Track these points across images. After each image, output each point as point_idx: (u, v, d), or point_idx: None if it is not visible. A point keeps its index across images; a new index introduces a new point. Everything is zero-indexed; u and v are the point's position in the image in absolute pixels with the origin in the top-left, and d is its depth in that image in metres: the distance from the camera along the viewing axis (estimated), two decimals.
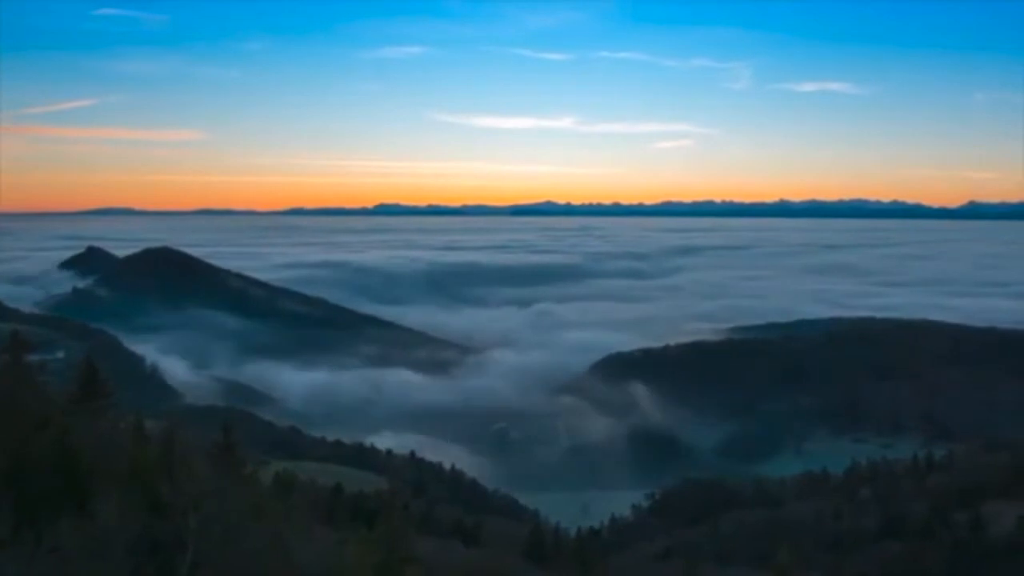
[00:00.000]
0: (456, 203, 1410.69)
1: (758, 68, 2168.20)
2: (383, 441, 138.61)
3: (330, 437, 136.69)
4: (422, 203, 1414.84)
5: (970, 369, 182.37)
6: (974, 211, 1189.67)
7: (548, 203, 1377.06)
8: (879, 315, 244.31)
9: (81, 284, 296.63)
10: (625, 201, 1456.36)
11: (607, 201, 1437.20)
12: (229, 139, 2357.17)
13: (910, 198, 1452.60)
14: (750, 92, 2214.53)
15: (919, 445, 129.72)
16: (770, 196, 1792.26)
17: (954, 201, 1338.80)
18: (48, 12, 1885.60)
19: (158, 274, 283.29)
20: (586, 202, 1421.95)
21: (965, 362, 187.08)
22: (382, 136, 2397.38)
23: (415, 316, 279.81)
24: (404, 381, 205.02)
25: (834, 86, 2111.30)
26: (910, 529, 77.41)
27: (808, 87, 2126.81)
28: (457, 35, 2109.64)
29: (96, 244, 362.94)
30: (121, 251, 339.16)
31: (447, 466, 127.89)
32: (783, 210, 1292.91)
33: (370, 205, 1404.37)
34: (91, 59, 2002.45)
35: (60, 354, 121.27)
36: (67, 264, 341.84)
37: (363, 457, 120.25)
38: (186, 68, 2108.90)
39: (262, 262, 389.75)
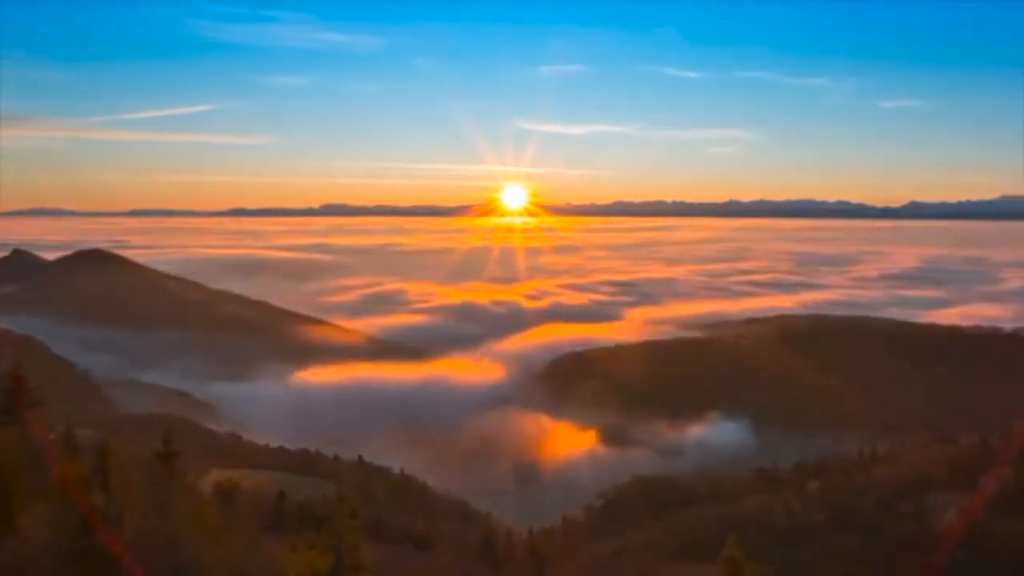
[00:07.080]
0: (406, 204, 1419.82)
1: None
2: (331, 447, 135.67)
3: (273, 443, 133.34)
4: (370, 203, 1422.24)
5: (914, 365, 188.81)
6: (915, 211, 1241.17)
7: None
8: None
9: (7, 288, 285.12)
10: (576, 202, 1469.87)
11: (558, 203, 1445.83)
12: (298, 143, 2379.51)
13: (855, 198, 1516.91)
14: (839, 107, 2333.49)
15: (866, 439, 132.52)
16: (721, 196, 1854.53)
17: (896, 201, 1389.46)
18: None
19: (89, 276, 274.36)
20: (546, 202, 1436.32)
21: (909, 358, 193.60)
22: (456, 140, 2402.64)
23: None
24: (347, 383, 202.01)
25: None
26: (857, 521, 78.87)
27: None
28: (610, 55, 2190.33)
29: (22, 247, 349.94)
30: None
31: (396, 470, 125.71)
32: (732, 210, 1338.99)
33: (316, 205, 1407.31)
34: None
35: None
36: None
37: (309, 463, 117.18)
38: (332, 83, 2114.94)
39: None
